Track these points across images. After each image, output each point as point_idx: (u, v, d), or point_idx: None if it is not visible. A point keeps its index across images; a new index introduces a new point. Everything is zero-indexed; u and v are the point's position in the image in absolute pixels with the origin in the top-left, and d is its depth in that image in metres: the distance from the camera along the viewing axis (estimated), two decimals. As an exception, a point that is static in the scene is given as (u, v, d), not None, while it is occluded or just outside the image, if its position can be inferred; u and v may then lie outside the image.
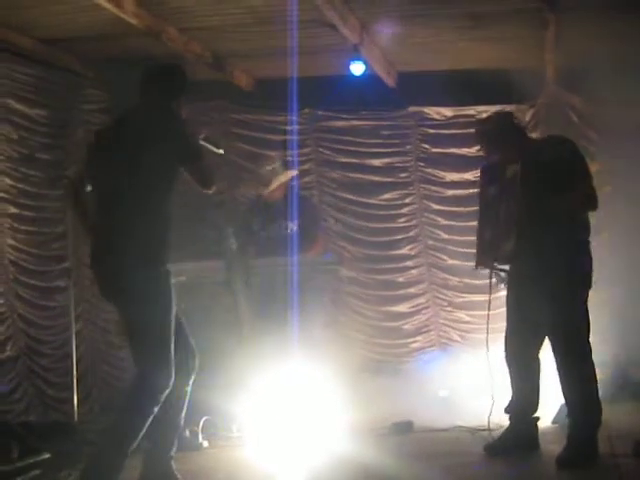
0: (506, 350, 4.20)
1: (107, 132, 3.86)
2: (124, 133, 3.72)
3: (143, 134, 3.66)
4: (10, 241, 5.77)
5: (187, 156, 3.70)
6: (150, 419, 3.53)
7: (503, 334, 4.24)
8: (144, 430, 3.52)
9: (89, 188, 3.83)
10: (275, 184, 5.65)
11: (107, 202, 3.71)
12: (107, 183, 3.71)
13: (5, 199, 5.74)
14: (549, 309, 3.95)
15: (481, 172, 4.39)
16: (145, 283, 3.56)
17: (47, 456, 4.19)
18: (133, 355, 3.65)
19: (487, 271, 4.28)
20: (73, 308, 5.22)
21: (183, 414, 3.76)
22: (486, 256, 4.23)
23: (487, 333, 4.30)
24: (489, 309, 4.29)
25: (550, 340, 4.02)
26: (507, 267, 4.21)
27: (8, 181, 5.75)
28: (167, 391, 3.57)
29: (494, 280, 4.24)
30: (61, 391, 5.83)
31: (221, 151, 4.03)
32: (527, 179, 3.91)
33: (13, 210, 5.78)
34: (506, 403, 4.25)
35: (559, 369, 3.96)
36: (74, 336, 5.29)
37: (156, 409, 3.54)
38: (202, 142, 3.90)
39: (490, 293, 4.26)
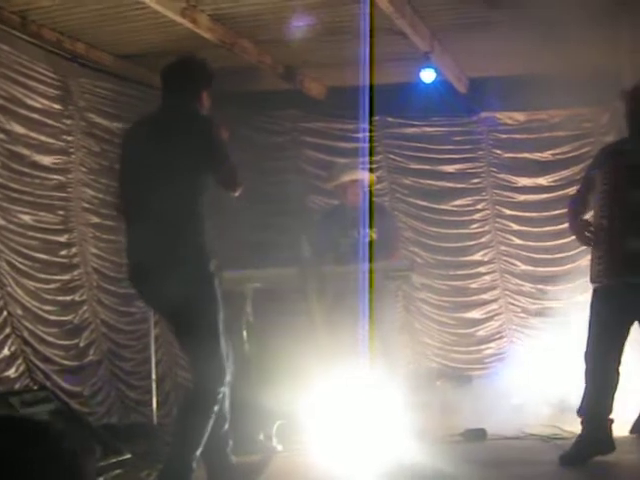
0: (587, 349, 4.14)
1: (132, 137, 3.85)
2: (149, 138, 3.70)
3: (168, 138, 3.63)
4: (93, 249, 5.92)
5: (212, 158, 3.62)
6: (213, 419, 3.59)
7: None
8: (209, 430, 3.58)
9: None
10: (342, 179, 5.73)
11: (140, 212, 3.66)
12: (138, 193, 3.68)
13: (88, 209, 5.90)
14: None
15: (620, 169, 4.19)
16: (193, 288, 3.55)
17: (128, 456, 4.32)
18: (187, 358, 3.70)
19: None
20: (152, 314, 5.39)
21: (226, 409, 3.75)
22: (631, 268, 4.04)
23: None
24: None
25: None
26: None
27: (90, 192, 5.91)
28: (224, 388, 3.62)
29: None
30: (141, 394, 5.97)
31: None
32: None
33: (96, 220, 5.93)
34: (579, 404, 4.17)
35: None
36: (153, 341, 5.46)
37: (216, 408, 3.59)
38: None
39: None
